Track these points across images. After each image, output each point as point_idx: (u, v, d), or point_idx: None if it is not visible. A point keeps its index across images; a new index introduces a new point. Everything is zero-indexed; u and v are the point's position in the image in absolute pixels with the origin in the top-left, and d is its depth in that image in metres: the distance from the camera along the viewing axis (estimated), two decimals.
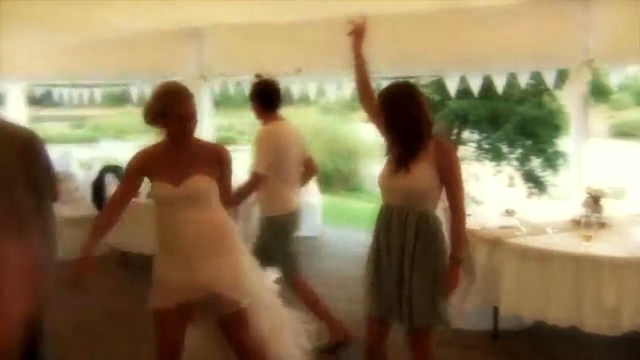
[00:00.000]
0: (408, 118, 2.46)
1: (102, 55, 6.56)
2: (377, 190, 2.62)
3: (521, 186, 8.77)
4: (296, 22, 5.40)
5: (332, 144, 12.70)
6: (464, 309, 3.52)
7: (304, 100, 8.54)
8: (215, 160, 2.54)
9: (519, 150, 11.07)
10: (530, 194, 8.91)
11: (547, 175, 10.62)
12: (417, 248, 2.45)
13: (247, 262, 2.68)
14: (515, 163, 10.98)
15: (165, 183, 2.42)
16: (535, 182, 10.43)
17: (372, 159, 12.07)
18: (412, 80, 6.04)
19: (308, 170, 3.68)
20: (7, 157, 2.40)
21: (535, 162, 10.86)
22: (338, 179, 11.27)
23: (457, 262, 2.49)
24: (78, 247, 4.36)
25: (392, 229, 2.50)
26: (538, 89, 9.96)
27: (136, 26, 5.82)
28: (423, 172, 2.44)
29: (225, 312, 2.46)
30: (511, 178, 8.92)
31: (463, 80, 5.23)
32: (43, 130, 11.67)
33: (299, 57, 5.71)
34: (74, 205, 5.58)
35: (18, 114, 8.15)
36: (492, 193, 6.14)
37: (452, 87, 5.26)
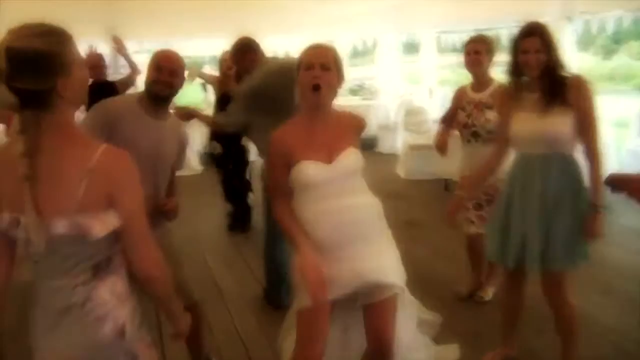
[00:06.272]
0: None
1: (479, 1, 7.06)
2: None
3: None
4: None
5: None
6: None
7: None
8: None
9: None
10: None
11: None
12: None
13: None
14: None
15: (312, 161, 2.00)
16: None
17: None
18: None
19: None
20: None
21: None
22: None
23: (597, 209, 2.32)
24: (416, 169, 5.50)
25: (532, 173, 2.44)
26: None
27: None
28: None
29: (377, 299, 2.06)
30: None
31: None
32: (446, 77, 12.65)
33: None
34: (420, 135, 6.61)
35: (430, 60, 9.55)
36: None
37: None
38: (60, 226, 1.33)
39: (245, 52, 3.44)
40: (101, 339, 1.42)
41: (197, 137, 7.11)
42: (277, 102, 2.82)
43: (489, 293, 3.51)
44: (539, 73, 2.36)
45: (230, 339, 3.22)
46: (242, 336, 3.22)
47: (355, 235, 2.00)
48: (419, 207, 5.79)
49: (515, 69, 2.43)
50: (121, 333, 1.44)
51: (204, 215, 5.67)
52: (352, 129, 2.14)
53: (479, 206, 3.32)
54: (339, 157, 2.01)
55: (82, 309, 1.41)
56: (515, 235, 2.46)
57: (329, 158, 2.00)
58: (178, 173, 2.60)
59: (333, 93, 2.04)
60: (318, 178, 1.97)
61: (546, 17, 6.31)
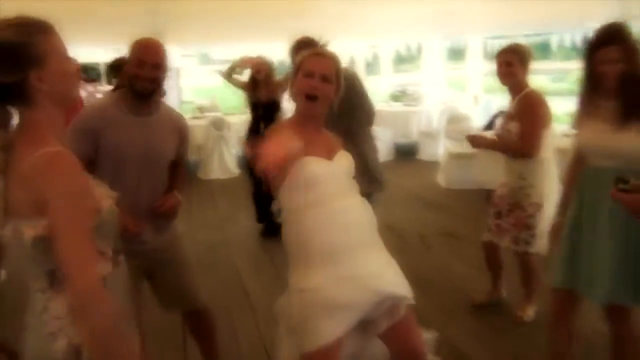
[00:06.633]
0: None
1: (528, 5, 6.80)
2: None
3: None
4: None
5: None
6: None
7: None
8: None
9: None
10: None
11: None
12: None
13: None
14: None
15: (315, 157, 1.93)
16: None
17: None
18: None
19: None
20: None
21: None
22: None
23: None
24: (457, 179, 5.32)
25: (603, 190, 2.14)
26: None
27: None
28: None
29: (399, 316, 1.94)
30: None
31: None
32: (491, 84, 12.33)
33: None
34: (462, 143, 6.36)
35: (476, 67, 9.26)
36: None
37: None
38: (8, 226, 1.28)
39: (299, 48, 3.40)
40: (53, 355, 1.31)
41: (235, 140, 7.11)
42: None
43: (529, 313, 3.27)
44: (618, 83, 2.10)
45: (254, 347, 3.12)
46: (267, 345, 3.12)
47: (358, 237, 1.90)
48: (459, 218, 5.57)
49: (592, 81, 2.16)
50: (77, 353, 1.30)
51: (239, 218, 5.64)
52: (336, 140, 2.10)
53: (498, 215, 3.19)
54: (337, 156, 2.01)
55: (41, 317, 1.32)
56: (584, 260, 2.19)
57: (328, 156, 1.97)
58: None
59: (328, 104, 1.99)
60: (322, 173, 1.90)
61: (600, 21, 6.03)
